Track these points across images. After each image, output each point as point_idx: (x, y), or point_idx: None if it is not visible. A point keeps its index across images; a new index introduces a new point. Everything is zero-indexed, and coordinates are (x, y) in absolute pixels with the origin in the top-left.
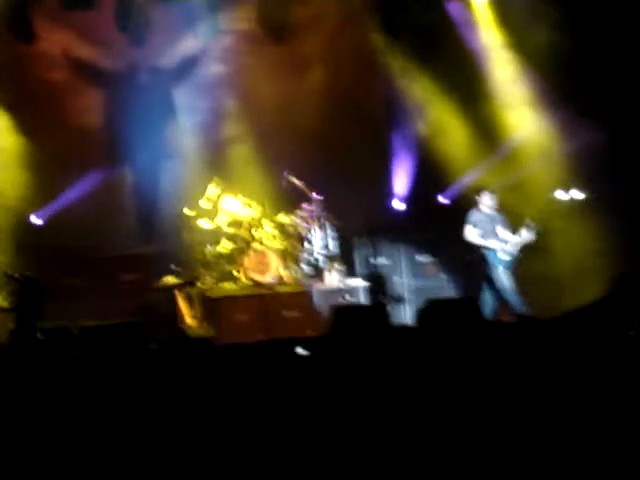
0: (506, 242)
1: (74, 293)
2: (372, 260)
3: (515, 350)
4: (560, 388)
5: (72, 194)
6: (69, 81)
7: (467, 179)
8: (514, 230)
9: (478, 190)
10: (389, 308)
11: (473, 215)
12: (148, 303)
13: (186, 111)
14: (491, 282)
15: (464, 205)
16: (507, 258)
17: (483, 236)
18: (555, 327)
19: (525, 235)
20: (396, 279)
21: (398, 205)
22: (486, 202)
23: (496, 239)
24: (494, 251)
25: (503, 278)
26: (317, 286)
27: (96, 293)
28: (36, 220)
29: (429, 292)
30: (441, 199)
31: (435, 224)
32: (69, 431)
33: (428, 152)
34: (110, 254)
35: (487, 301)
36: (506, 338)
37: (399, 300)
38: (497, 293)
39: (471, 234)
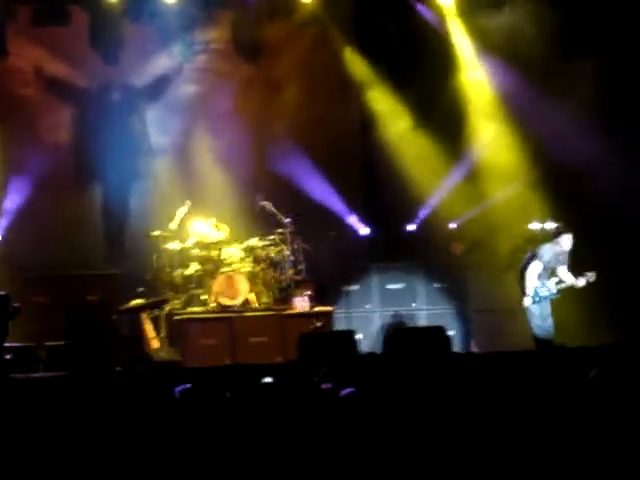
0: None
1: (39, 312)
2: (344, 287)
3: (480, 381)
4: (524, 423)
5: (41, 211)
6: (41, 97)
7: (433, 203)
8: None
9: (558, 229)
10: (358, 335)
11: (547, 252)
12: (114, 325)
13: (158, 131)
14: None
15: (430, 233)
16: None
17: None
18: (525, 360)
19: (579, 281)
20: (367, 306)
21: (365, 231)
22: (564, 243)
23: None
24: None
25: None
26: (286, 311)
27: (61, 312)
28: None
29: (400, 320)
30: (409, 227)
31: (405, 251)
32: (30, 454)
33: (396, 174)
34: (77, 273)
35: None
36: (473, 369)
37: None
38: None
39: (534, 269)
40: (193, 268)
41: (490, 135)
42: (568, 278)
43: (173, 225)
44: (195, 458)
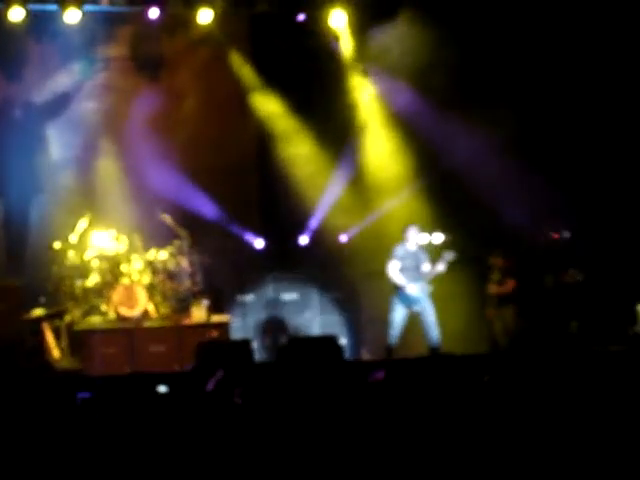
0: (425, 275)
1: None
2: (239, 296)
3: (375, 390)
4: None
5: None
6: None
7: (322, 216)
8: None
9: (405, 226)
10: (254, 345)
11: (397, 250)
12: (15, 334)
13: (59, 146)
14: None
15: (322, 245)
16: (417, 294)
17: (402, 270)
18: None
19: (440, 267)
20: (259, 316)
21: (259, 244)
22: (412, 237)
23: (416, 274)
24: (402, 288)
25: (397, 312)
26: (184, 321)
27: None
28: None
29: (293, 328)
30: (301, 240)
31: (297, 263)
32: None
33: (291, 190)
34: None
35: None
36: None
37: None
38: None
39: (393, 268)
40: (93, 279)
41: (379, 149)
42: (428, 269)
43: (73, 237)
44: (97, 465)
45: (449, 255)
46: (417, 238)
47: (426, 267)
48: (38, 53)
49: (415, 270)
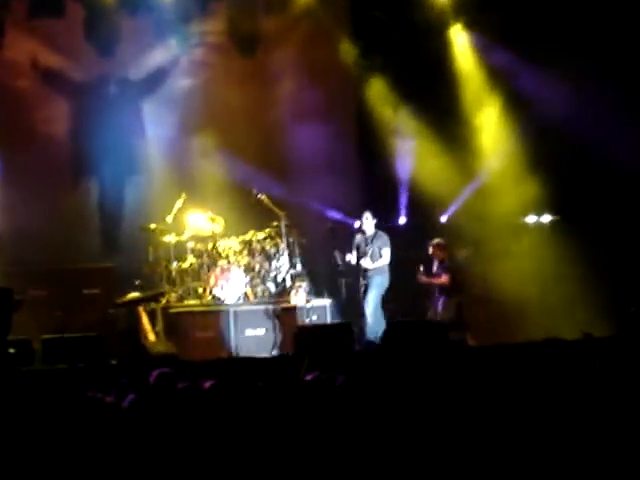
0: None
1: (36, 305)
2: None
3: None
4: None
5: (37, 205)
6: (36, 90)
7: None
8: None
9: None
10: (355, 328)
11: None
12: (110, 318)
13: (154, 124)
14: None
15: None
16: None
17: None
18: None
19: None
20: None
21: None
22: (366, 224)
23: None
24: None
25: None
26: (282, 305)
27: (58, 306)
28: None
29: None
30: (400, 220)
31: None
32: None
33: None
34: (73, 267)
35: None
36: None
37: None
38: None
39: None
40: (189, 261)
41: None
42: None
43: (169, 218)
44: (191, 451)
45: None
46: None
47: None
48: (132, 28)
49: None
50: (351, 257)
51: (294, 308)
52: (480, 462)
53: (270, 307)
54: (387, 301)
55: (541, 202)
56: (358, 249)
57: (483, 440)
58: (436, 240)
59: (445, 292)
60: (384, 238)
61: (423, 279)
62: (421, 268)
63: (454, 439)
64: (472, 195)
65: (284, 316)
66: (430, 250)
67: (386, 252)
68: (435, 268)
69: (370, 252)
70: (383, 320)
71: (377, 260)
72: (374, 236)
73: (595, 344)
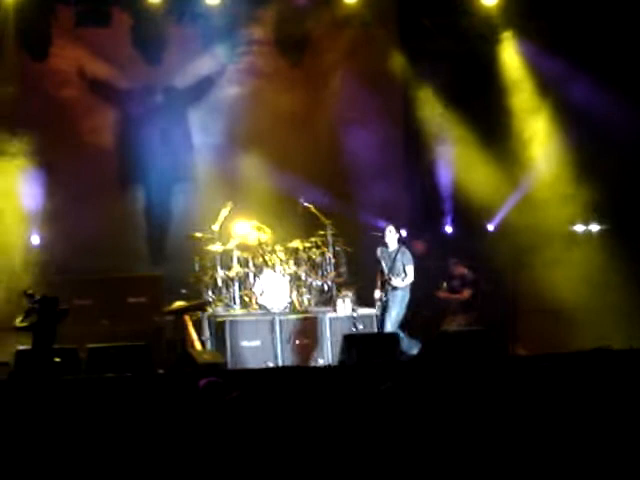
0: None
1: (82, 314)
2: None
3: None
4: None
5: (84, 213)
6: (83, 99)
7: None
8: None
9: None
10: (402, 337)
11: (378, 251)
12: (156, 326)
13: (200, 133)
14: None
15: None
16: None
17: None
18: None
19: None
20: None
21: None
22: (387, 238)
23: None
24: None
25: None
26: (329, 314)
27: (105, 314)
28: (36, 240)
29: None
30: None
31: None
32: (73, 455)
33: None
34: (120, 275)
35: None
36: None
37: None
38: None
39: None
40: (235, 270)
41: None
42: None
43: (215, 227)
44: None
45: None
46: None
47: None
48: (179, 36)
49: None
50: (377, 294)
51: (340, 317)
52: (527, 468)
53: (316, 316)
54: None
55: (590, 211)
56: (380, 262)
57: (524, 446)
58: (454, 259)
59: (464, 308)
60: (408, 255)
61: (442, 295)
62: (444, 284)
63: (497, 446)
64: (520, 204)
65: (331, 325)
66: (450, 267)
67: (410, 270)
68: (455, 284)
69: (395, 268)
70: (404, 335)
71: (401, 276)
72: (397, 251)
73: None
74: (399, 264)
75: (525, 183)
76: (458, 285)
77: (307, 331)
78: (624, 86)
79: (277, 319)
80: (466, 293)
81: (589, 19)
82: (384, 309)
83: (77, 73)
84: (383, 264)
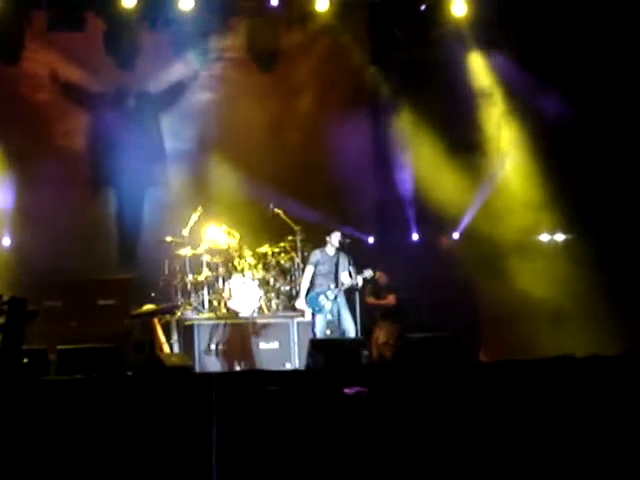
0: (342, 284)
1: (51, 316)
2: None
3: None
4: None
5: (55, 216)
6: (55, 103)
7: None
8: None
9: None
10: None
11: (314, 255)
12: (125, 329)
13: (172, 138)
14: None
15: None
16: (328, 303)
17: (321, 275)
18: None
19: (356, 280)
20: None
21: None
22: (333, 241)
23: (331, 281)
24: (316, 295)
25: (318, 324)
26: (297, 319)
27: (74, 316)
28: (7, 241)
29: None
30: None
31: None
32: (43, 454)
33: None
34: (89, 278)
35: None
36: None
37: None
38: None
39: (306, 274)
40: (204, 274)
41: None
42: (346, 279)
43: (185, 231)
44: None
45: (368, 272)
46: (340, 242)
47: (344, 276)
48: (152, 42)
49: (331, 277)
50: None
51: (308, 322)
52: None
53: (284, 321)
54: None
55: (556, 221)
56: (317, 266)
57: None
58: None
59: (390, 314)
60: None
61: (370, 301)
62: (368, 289)
63: (460, 450)
64: (485, 213)
65: (299, 330)
66: (376, 275)
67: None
68: (381, 291)
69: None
70: None
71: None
72: (338, 256)
73: (605, 363)
74: (341, 267)
75: (490, 192)
76: (384, 292)
77: (275, 335)
78: (592, 99)
79: (245, 323)
80: (392, 299)
81: (558, 33)
82: (338, 313)
83: (50, 77)
84: (323, 267)
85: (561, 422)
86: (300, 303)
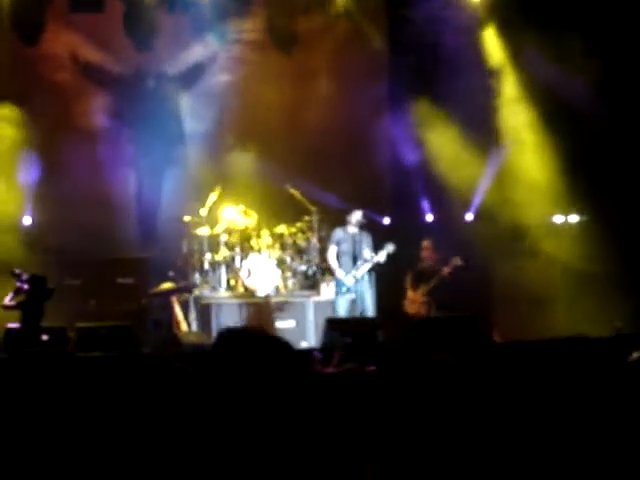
0: (365, 261)
1: (71, 294)
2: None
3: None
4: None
5: (75, 195)
6: (75, 83)
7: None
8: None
9: (346, 212)
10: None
11: (336, 234)
12: (143, 307)
13: (191, 118)
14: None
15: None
16: (352, 281)
17: (339, 256)
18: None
19: (380, 257)
20: None
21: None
22: (353, 221)
23: (352, 259)
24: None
25: (342, 304)
26: (313, 298)
27: (93, 295)
28: (27, 220)
29: None
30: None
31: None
32: (59, 435)
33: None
34: (109, 257)
35: None
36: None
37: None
38: None
39: (331, 254)
40: (222, 254)
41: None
42: (368, 256)
43: (203, 211)
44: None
45: (390, 246)
46: (360, 222)
47: (367, 253)
48: (170, 25)
49: (352, 255)
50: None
51: (324, 301)
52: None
53: (301, 300)
54: None
55: (570, 202)
56: (340, 244)
57: (498, 437)
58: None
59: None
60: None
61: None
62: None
63: (471, 436)
64: (497, 195)
65: (315, 309)
66: (423, 244)
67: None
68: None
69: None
70: None
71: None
72: (359, 234)
73: (623, 341)
74: (363, 245)
75: (504, 173)
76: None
77: (292, 314)
78: (608, 80)
79: (262, 302)
80: (447, 270)
81: (576, 12)
82: (361, 293)
83: (70, 58)
84: (345, 246)
85: (573, 402)
86: (341, 274)
